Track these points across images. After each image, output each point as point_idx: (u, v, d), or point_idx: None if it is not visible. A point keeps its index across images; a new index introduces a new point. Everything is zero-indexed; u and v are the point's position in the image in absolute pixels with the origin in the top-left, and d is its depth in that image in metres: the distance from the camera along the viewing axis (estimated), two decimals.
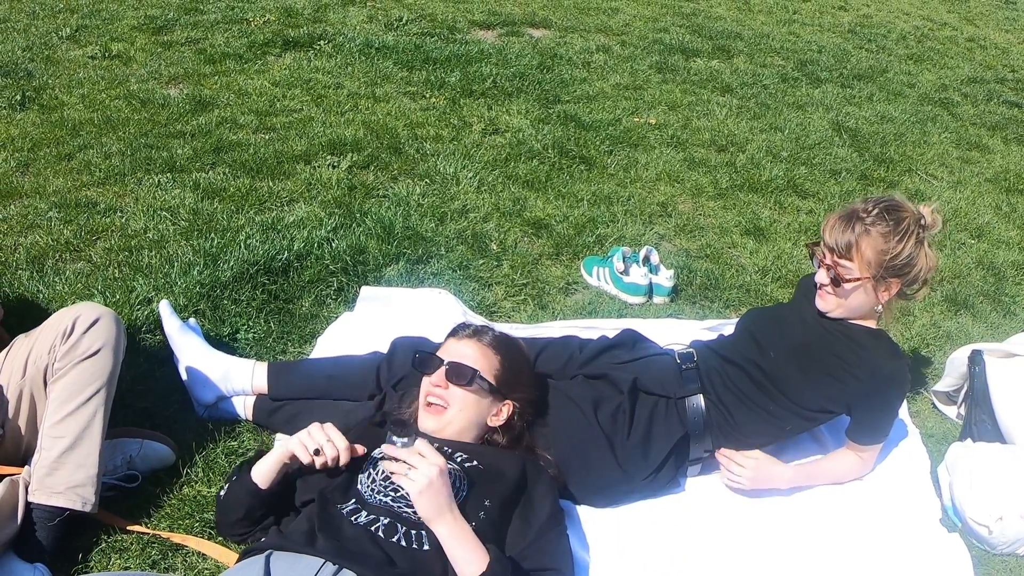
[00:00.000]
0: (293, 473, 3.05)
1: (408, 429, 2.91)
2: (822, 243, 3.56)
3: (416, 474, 2.72)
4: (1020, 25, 12.66)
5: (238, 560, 2.80)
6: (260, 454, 3.07)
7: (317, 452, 2.90)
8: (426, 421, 3.19)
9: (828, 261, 3.52)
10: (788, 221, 5.90)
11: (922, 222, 3.47)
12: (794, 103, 8.12)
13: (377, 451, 2.97)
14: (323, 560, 2.63)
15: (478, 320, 4.31)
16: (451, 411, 3.19)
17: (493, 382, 3.27)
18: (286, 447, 2.95)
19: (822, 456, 3.92)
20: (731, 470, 3.66)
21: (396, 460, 2.77)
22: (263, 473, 2.98)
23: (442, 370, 3.20)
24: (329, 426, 2.98)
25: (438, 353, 3.27)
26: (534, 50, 8.34)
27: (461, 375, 3.20)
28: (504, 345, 3.40)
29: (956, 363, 4.25)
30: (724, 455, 3.69)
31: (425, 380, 3.24)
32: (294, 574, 2.59)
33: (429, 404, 3.20)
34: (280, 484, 3.01)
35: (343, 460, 2.92)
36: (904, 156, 7.28)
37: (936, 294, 5.30)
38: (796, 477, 3.77)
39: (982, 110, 8.80)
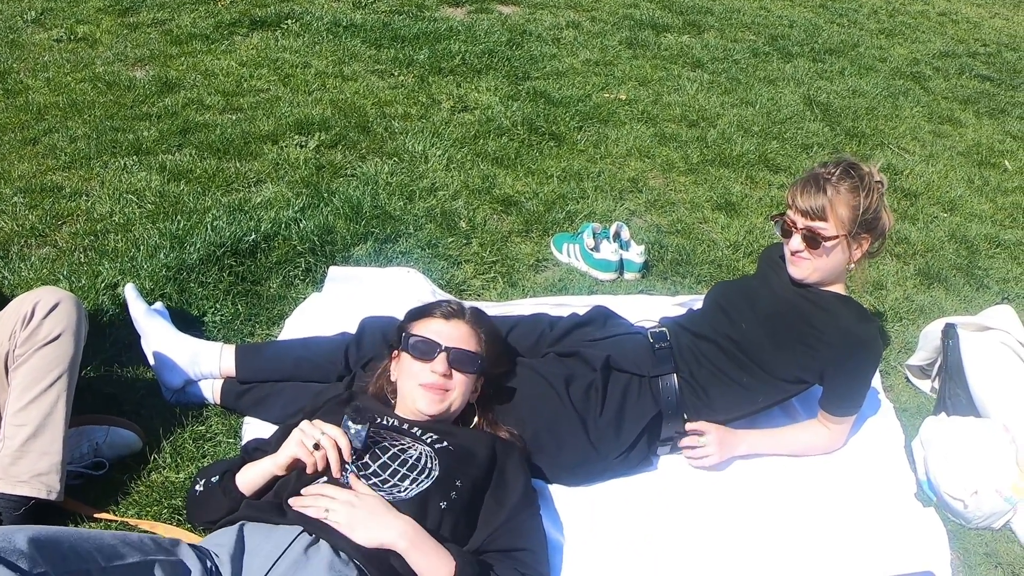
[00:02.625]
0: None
1: (364, 416, 2.91)
2: (791, 210, 3.58)
3: (335, 514, 2.69)
4: None
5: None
6: (242, 460, 3.04)
7: (317, 447, 2.85)
8: (423, 404, 3.14)
9: (801, 226, 3.53)
10: (760, 196, 5.89)
11: (876, 178, 3.56)
12: (765, 78, 8.12)
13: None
14: (300, 529, 2.62)
15: (447, 298, 4.28)
16: (453, 395, 3.18)
17: (485, 363, 3.28)
18: (285, 455, 2.89)
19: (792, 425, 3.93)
20: (694, 456, 3.67)
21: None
22: (250, 482, 2.93)
23: (443, 357, 3.16)
24: (317, 420, 2.95)
25: (425, 335, 3.22)
26: (503, 27, 8.28)
27: (468, 363, 3.21)
28: (482, 320, 3.42)
29: (930, 337, 4.25)
30: (684, 442, 3.70)
31: (418, 364, 3.18)
32: (270, 544, 2.58)
33: (430, 389, 3.14)
34: (267, 487, 2.96)
35: (343, 445, 2.87)
36: (876, 130, 7.29)
37: (909, 268, 5.31)
38: (761, 443, 3.80)
39: (954, 84, 8.82)
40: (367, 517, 2.69)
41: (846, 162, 3.57)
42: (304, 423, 2.92)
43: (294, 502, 2.74)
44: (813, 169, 3.63)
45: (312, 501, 2.73)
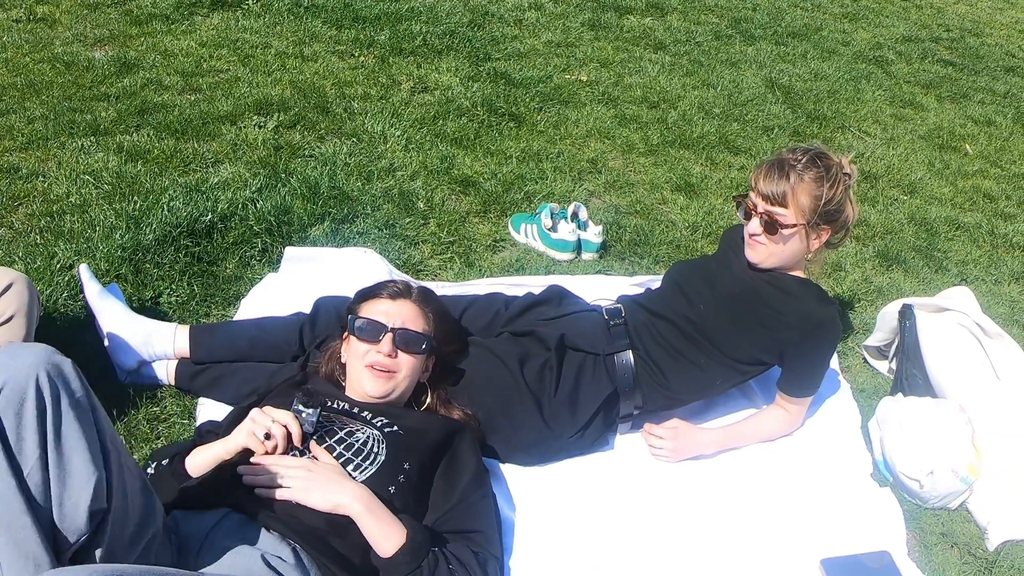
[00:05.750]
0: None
1: (315, 400, 2.90)
2: (753, 193, 3.56)
3: (290, 480, 2.70)
4: None
5: None
6: (193, 443, 2.99)
7: (268, 436, 2.83)
8: (370, 386, 3.11)
9: (761, 210, 3.51)
10: (719, 177, 5.89)
11: (845, 170, 3.55)
12: (727, 60, 8.12)
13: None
14: (227, 510, 2.63)
15: (403, 279, 4.25)
16: (400, 376, 3.16)
17: (433, 342, 3.26)
18: (235, 442, 2.83)
19: (749, 415, 3.93)
20: (652, 444, 3.67)
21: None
22: (200, 466, 2.87)
23: (389, 337, 3.14)
24: (267, 408, 2.91)
25: (371, 316, 3.20)
26: (465, 8, 8.24)
27: (414, 343, 3.18)
28: (430, 299, 3.39)
29: (887, 317, 4.26)
30: (645, 431, 3.71)
31: (365, 345, 3.16)
32: (195, 526, 2.59)
33: (376, 370, 3.12)
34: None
35: (294, 431, 2.84)
36: (837, 113, 7.31)
37: (868, 249, 5.34)
38: (722, 441, 3.78)
39: (916, 68, 8.85)
40: (323, 481, 2.71)
41: (815, 150, 3.53)
42: (254, 412, 2.88)
43: (244, 471, 2.72)
44: (781, 153, 3.59)
45: (265, 470, 2.72)
